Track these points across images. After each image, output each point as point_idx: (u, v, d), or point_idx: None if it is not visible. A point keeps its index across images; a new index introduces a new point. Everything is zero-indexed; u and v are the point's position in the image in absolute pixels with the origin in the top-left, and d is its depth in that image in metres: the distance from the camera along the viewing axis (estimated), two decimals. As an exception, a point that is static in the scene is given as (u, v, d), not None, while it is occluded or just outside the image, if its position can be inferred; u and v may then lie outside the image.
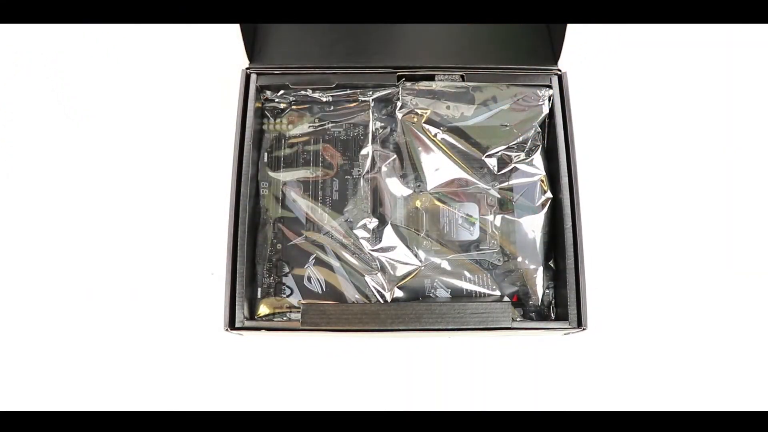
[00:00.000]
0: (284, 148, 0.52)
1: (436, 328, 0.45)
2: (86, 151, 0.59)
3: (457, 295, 0.49)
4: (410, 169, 0.51)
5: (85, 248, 0.57)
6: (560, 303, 0.49)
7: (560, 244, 0.49)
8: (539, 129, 0.51)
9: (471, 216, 0.50)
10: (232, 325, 0.46)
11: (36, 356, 0.56)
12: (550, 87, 0.51)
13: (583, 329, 0.47)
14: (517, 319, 0.49)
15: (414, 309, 0.45)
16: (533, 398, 0.55)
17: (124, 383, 0.55)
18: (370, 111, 0.52)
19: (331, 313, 0.45)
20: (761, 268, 0.57)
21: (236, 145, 0.49)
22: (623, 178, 0.59)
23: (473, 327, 0.45)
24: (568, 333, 0.49)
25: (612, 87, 0.61)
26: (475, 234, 0.50)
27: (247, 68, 0.52)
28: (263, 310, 0.49)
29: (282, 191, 0.51)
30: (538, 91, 0.51)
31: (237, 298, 0.47)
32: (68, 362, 0.55)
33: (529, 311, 0.50)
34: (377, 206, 0.50)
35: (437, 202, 0.50)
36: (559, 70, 0.52)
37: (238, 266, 0.47)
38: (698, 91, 0.61)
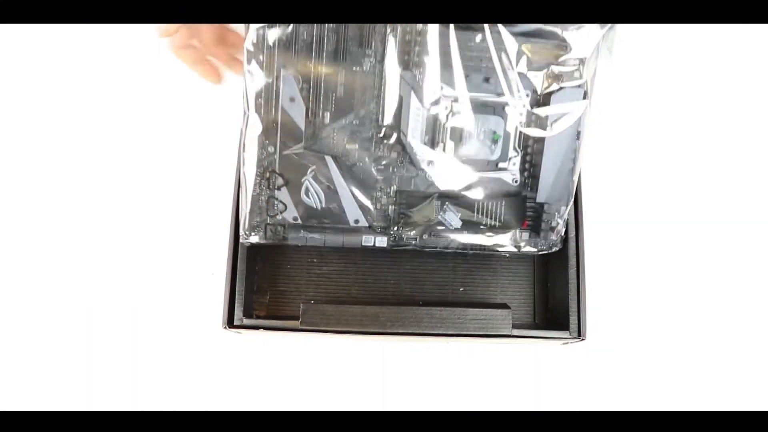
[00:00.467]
0: (278, 27, 0.41)
1: (436, 333, 0.45)
2: (86, 150, 0.59)
3: (468, 220, 0.45)
4: (436, 68, 0.41)
5: (85, 248, 0.57)
6: (560, 311, 0.49)
7: (563, 255, 0.49)
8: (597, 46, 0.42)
9: (495, 132, 0.44)
10: (230, 323, 0.46)
11: (35, 355, 0.55)
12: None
13: (582, 339, 0.47)
14: (523, 246, 0.46)
15: (414, 313, 0.45)
16: (532, 398, 0.55)
17: (123, 382, 0.55)
18: None
19: (330, 314, 0.45)
20: (760, 269, 0.57)
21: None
22: (620, 181, 0.59)
23: (473, 333, 0.45)
24: (567, 343, 0.49)
25: (612, 90, 0.61)
26: (497, 153, 0.44)
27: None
28: (254, 237, 0.45)
29: (276, 85, 0.42)
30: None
31: (236, 296, 0.47)
32: (68, 361, 0.55)
33: (539, 241, 0.47)
34: (388, 110, 0.43)
35: (462, 113, 0.43)
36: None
37: (238, 264, 0.47)
38: (696, 96, 0.61)
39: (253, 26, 0.41)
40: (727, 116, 0.60)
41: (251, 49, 0.41)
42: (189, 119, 0.59)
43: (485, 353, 0.56)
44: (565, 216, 0.46)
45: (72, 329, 0.56)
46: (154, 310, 0.56)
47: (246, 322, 0.46)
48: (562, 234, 0.47)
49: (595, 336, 0.50)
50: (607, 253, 0.57)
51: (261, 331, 0.46)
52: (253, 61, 0.41)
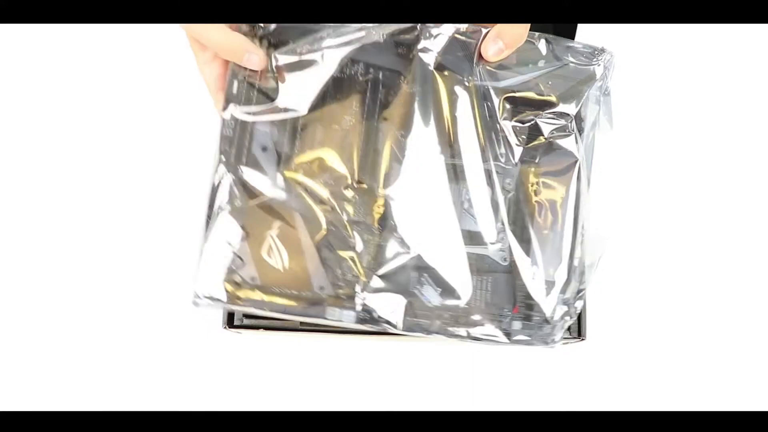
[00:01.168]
0: (259, 79, 0.40)
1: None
2: (86, 151, 0.59)
3: (449, 296, 0.40)
4: (420, 127, 0.40)
5: (86, 248, 0.57)
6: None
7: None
8: (587, 97, 0.40)
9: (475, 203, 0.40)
10: (230, 323, 0.46)
11: (35, 355, 0.55)
12: (603, 51, 0.40)
13: (582, 339, 0.46)
14: (514, 335, 0.40)
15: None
16: (532, 398, 0.55)
17: (123, 382, 0.55)
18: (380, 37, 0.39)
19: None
20: (760, 269, 0.57)
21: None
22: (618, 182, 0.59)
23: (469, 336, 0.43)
24: (567, 343, 0.48)
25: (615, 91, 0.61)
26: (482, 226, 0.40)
27: None
28: (211, 288, 0.38)
29: (250, 133, 0.40)
30: (593, 51, 0.40)
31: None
32: (68, 362, 0.55)
33: (533, 332, 0.41)
34: (369, 168, 0.40)
35: (448, 178, 0.40)
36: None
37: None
38: (698, 99, 0.61)
39: (235, 76, 0.39)
40: (724, 119, 0.60)
41: (231, 97, 0.40)
42: (189, 119, 0.59)
43: (485, 353, 0.56)
44: (567, 305, 0.41)
45: (72, 330, 0.56)
46: (155, 311, 0.56)
47: (246, 322, 0.46)
48: (564, 325, 0.41)
49: (595, 336, 0.50)
50: (607, 254, 0.57)
51: (261, 331, 0.47)
52: (230, 109, 0.40)
